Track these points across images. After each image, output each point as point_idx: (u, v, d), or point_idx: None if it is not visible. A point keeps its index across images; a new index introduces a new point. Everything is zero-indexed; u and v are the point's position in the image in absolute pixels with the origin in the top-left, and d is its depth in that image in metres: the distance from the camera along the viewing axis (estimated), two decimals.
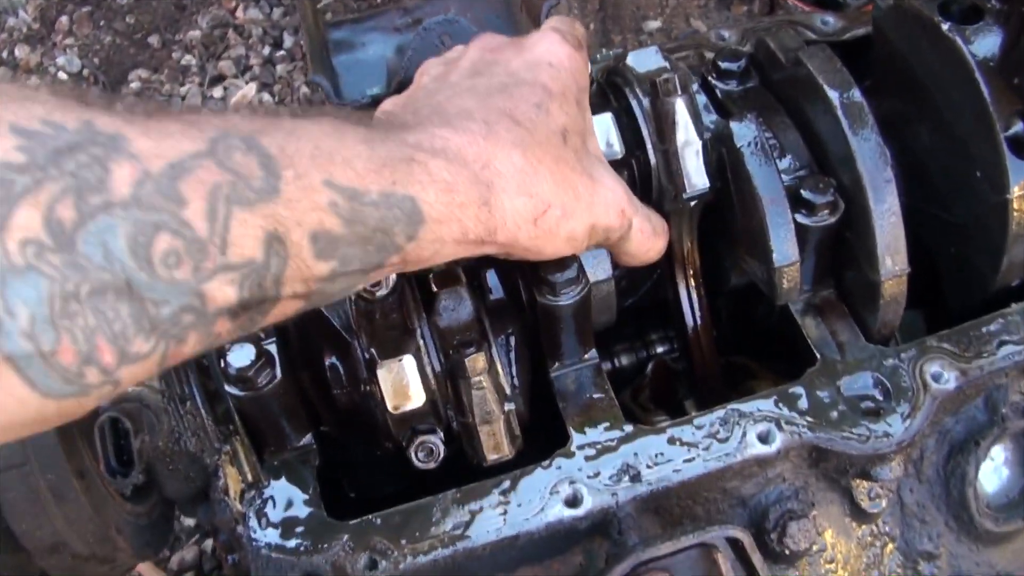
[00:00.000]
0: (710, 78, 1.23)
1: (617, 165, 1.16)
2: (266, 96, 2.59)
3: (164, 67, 2.69)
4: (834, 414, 1.10)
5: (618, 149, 1.14)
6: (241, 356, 1.03)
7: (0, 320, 0.60)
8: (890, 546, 1.19)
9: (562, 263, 1.05)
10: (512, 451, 1.08)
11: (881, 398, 1.12)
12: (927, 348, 1.16)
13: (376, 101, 1.52)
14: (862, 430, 1.09)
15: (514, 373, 1.09)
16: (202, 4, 2.79)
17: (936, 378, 1.13)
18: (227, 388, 1.06)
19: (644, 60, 1.14)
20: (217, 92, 2.63)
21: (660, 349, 1.38)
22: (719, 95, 1.23)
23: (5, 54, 2.78)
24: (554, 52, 1.01)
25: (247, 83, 2.61)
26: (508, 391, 1.06)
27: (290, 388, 1.08)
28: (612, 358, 1.39)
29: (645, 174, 1.15)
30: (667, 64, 1.13)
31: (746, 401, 1.11)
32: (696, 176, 1.10)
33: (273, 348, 1.07)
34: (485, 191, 0.86)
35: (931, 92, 1.21)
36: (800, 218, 1.11)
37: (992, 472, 1.22)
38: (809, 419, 1.10)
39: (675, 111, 1.09)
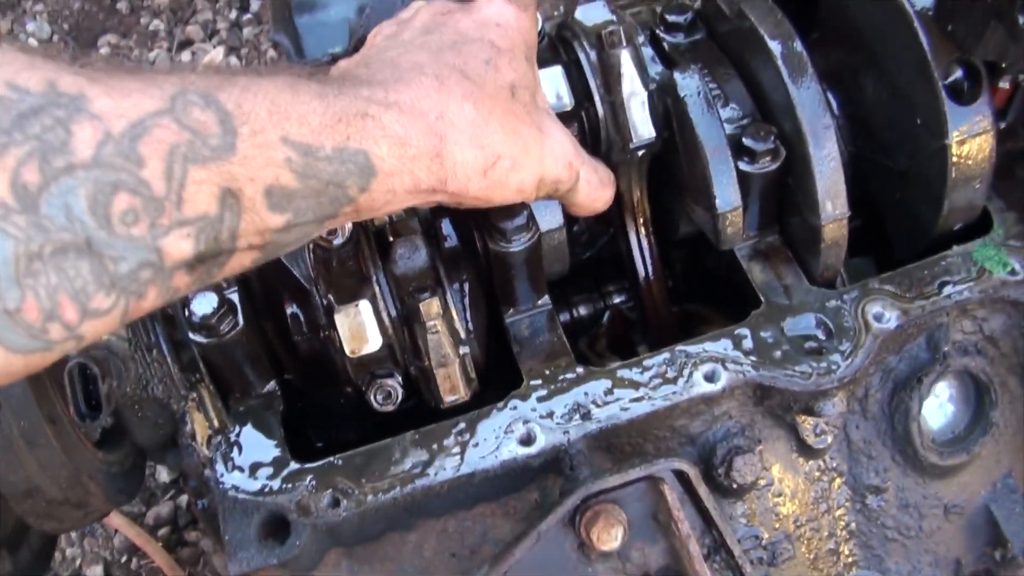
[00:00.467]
0: (658, 31, 1.26)
1: (567, 117, 1.19)
2: (233, 60, 2.61)
3: (133, 32, 2.70)
4: (777, 353, 1.15)
5: (567, 101, 1.18)
6: (204, 304, 1.07)
7: None
8: (838, 480, 1.24)
9: (512, 210, 1.09)
10: (468, 393, 1.12)
11: (824, 337, 1.16)
12: (869, 290, 1.20)
13: (336, 60, 1.55)
14: (805, 367, 1.14)
15: (468, 318, 1.13)
16: None
17: (878, 318, 1.17)
18: (191, 336, 1.09)
19: (592, 14, 1.18)
20: (185, 56, 2.65)
21: (616, 299, 1.42)
22: (666, 47, 1.26)
23: None
24: (501, 12, 1.03)
25: (214, 47, 2.63)
26: (463, 335, 1.10)
27: (253, 336, 1.12)
28: (570, 308, 1.43)
29: (594, 125, 1.18)
30: (613, 17, 1.16)
31: (692, 343, 1.15)
32: (642, 126, 1.14)
33: (235, 297, 1.11)
34: (438, 142, 0.88)
35: (874, 43, 1.25)
36: (743, 165, 1.15)
37: (937, 409, 1.27)
38: (753, 358, 1.14)
39: (620, 63, 1.12)
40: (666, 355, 1.14)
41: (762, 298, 1.19)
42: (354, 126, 0.82)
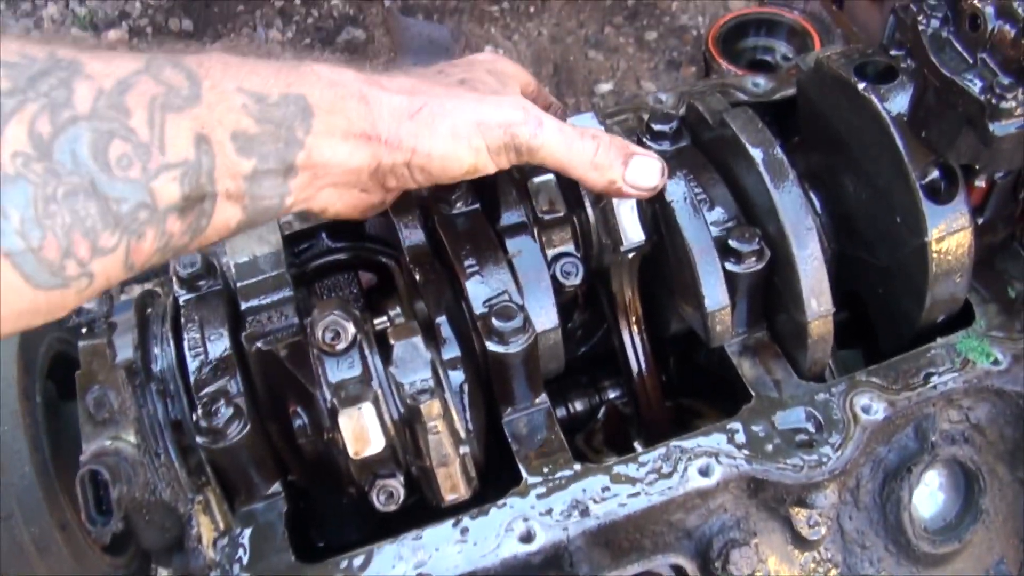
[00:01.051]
0: (644, 139, 1.32)
1: (560, 222, 1.25)
2: None
3: None
4: (769, 447, 1.18)
5: (559, 207, 1.23)
6: (210, 411, 1.11)
7: None
8: (833, 572, 1.26)
9: (506, 312, 1.13)
10: (468, 492, 1.15)
11: (814, 430, 1.20)
12: (857, 382, 1.24)
13: None
14: (796, 460, 1.17)
15: (468, 418, 1.16)
16: None
17: (866, 410, 1.21)
18: (198, 440, 1.13)
19: (581, 124, 1.23)
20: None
21: (612, 395, 1.46)
22: None
23: None
24: (474, 55, 1.23)
25: None
26: (463, 435, 1.13)
27: (258, 439, 1.15)
28: (566, 404, 1.46)
29: (585, 230, 1.24)
30: (602, 127, 1.22)
31: (686, 438, 1.18)
32: (632, 230, 1.19)
33: (242, 401, 1.14)
34: (365, 87, 0.99)
35: (852, 146, 1.31)
36: (730, 266, 1.20)
37: (928, 497, 1.30)
38: (746, 452, 1.17)
39: None
40: (661, 451, 1.17)
41: (752, 393, 1.23)
42: (294, 75, 0.94)
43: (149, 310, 1.26)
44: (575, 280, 1.26)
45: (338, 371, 1.10)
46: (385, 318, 1.40)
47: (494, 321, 1.14)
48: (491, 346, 1.14)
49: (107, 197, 0.79)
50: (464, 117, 1.04)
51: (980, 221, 1.34)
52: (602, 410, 1.46)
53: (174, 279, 1.25)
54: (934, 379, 1.24)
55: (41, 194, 0.76)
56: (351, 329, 1.10)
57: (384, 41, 2.73)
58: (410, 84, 1.04)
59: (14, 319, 0.80)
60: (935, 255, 1.24)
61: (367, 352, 1.11)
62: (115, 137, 0.80)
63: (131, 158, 0.81)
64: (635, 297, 1.29)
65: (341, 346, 1.09)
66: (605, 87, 2.78)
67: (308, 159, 0.95)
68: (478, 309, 1.17)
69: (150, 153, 0.82)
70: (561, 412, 1.48)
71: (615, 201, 1.18)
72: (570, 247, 1.26)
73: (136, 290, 1.89)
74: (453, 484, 1.13)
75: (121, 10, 3.10)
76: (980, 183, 1.30)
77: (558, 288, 1.26)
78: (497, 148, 1.06)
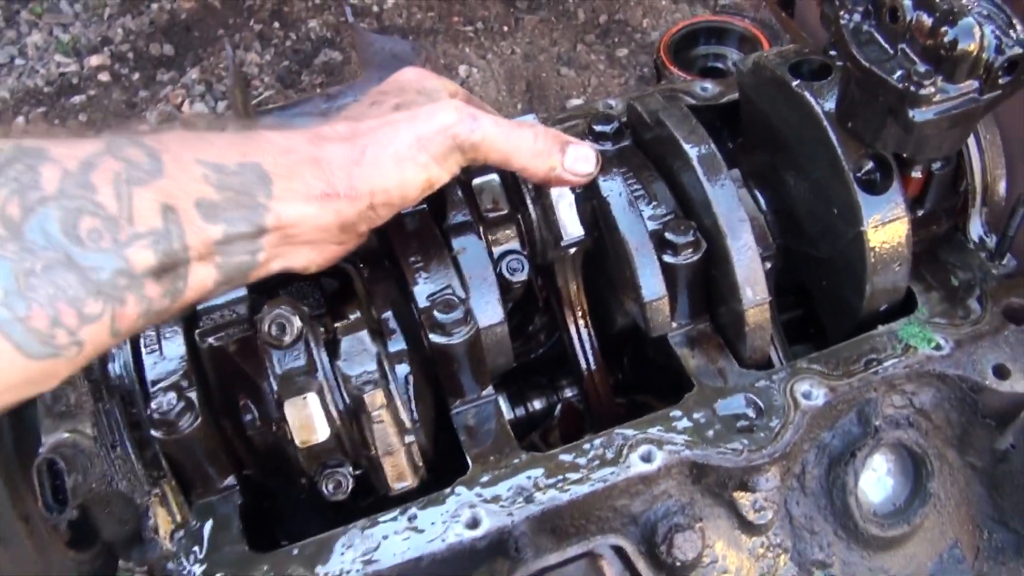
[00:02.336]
0: (587, 140, 1.36)
1: (504, 220, 1.29)
2: None
3: None
4: (710, 432, 1.21)
5: (503, 206, 1.27)
6: (163, 403, 1.14)
7: None
8: (783, 557, 1.28)
9: (448, 304, 1.17)
10: (415, 480, 1.18)
11: (754, 416, 1.23)
12: (797, 370, 1.27)
13: None
14: (736, 444, 1.20)
15: (414, 409, 1.19)
16: (151, 101, 2.98)
17: (806, 395, 1.24)
18: (152, 432, 1.16)
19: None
20: None
21: (568, 393, 1.49)
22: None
23: None
24: (398, 73, 1.28)
25: None
26: (408, 424, 1.16)
27: (211, 432, 1.18)
28: (525, 403, 1.49)
29: (529, 228, 1.27)
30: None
31: (629, 426, 1.21)
32: (571, 225, 1.23)
33: (194, 395, 1.17)
34: (315, 150, 1.05)
35: (791, 143, 1.35)
36: (667, 258, 1.24)
37: (877, 483, 1.32)
38: (687, 438, 1.20)
39: None
40: (604, 438, 1.20)
41: (696, 382, 1.26)
42: (247, 144, 1.00)
43: None
44: (522, 276, 1.30)
45: (284, 363, 1.14)
46: (346, 322, 1.43)
47: (436, 313, 1.17)
48: (434, 338, 1.18)
49: (84, 267, 0.84)
50: (404, 140, 1.08)
51: (921, 212, 1.38)
52: (558, 407, 1.49)
53: None
54: (875, 365, 1.27)
55: (19, 268, 0.81)
56: (296, 322, 1.13)
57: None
58: (349, 129, 1.09)
59: (8, 391, 0.85)
60: (872, 245, 1.27)
61: (312, 345, 1.14)
62: (84, 213, 0.85)
63: (101, 231, 0.86)
64: (580, 292, 1.32)
65: (287, 339, 1.13)
66: (576, 102, 2.84)
67: (277, 220, 1.00)
68: (422, 303, 1.20)
69: (119, 225, 0.87)
70: (520, 411, 1.51)
71: (554, 197, 1.22)
72: (515, 244, 1.30)
73: None
74: (399, 472, 1.16)
75: (103, 36, 3.16)
76: (917, 174, 1.34)
77: (506, 285, 1.30)
78: (442, 155, 1.10)
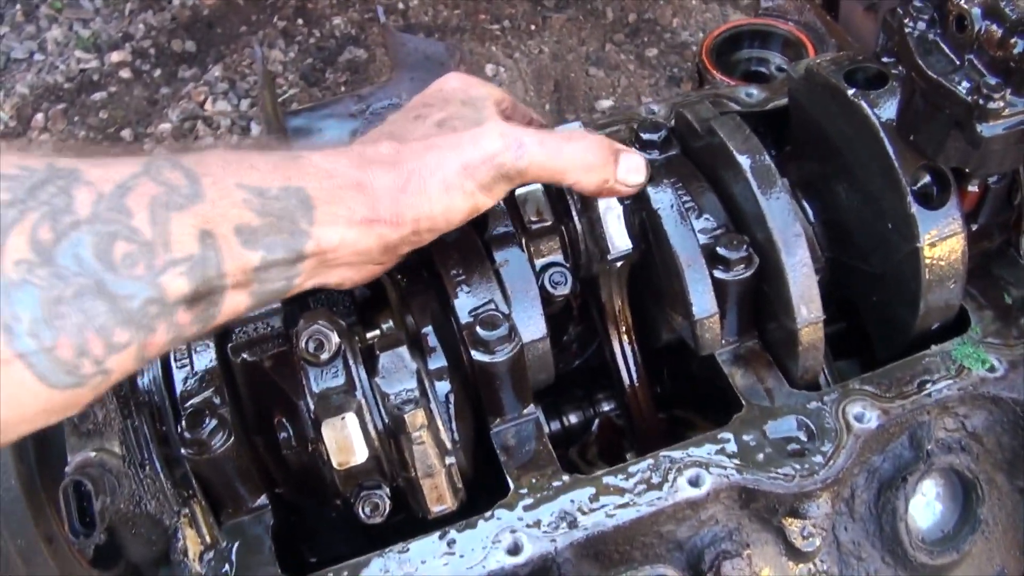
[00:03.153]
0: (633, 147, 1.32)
1: (548, 232, 1.24)
2: None
3: None
4: (760, 456, 1.16)
5: (547, 217, 1.23)
6: (194, 422, 1.10)
7: (9, 325, 0.75)
8: None
9: (492, 321, 1.13)
10: (455, 503, 1.14)
11: (805, 439, 1.18)
12: (849, 391, 1.22)
13: None
14: (788, 470, 1.15)
15: (454, 428, 1.15)
16: (173, 98, 2.94)
17: (858, 418, 1.19)
18: (183, 451, 1.12)
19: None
20: None
21: (606, 407, 1.45)
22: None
23: None
24: (441, 81, 1.21)
25: None
26: (449, 445, 1.12)
27: (242, 451, 1.14)
28: (561, 417, 1.45)
29: (573, 239, 1.23)
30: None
31: (676, 448, 1.17)
32: (618, 238, 1.18)
33: (226, 413, 1.13)
34: (359, 173, 1.01)
35: (844, 153, 1.30)
36: (718, 273, 1.19)
37: (925, 507, 1.28)
38: (736, 462, 1.15)
39: None
40: (650, 461, 1.16)
41: (744, 402, 1.21)
42: (291, 168, 0.97)
43: None
44: (564, 290, 1.25)
45: (322, 381, 1.10)
46: (378, 332, 1.39)
47: (479, 330, 1.13)
48: (476, 355, 1.14)
49: (115, 295, 0.81)
50: (450, 168, 1.05)
51: (974, 227, 1.33)
52: (596, 422, 1.44)
53: None
54: (928, 387, 1.23)
55: (48, 296, 0.77)
56: (335, 339, 1.09)
57: (385, 60, 2.74)
58: (394, 150, 1.06)
59: (29, 420, 0.81)
60: (928, 261, 1.23)
61: (351, 362, 1.10)
62: (118, 238, 0.82)
63: (135, 257, 0.82)
64: (625, 306, 1.28)
65: (325, 356, 1.09)
66: (606, 104, 2.79)
67: (317, 246, 0.97)
68: (464, 319, 1.16)
69: (154, 251, 0.84)
70: (555, 425, 1.47)
71: (601, 209, 1.18)
72: (559, 257, 1.26)
73: None
74: (439, 495, 1.12)
75: (124, 32, 3.13)
76: (973, 188, 1.29)
77: (548, 298, 1.25)
78: (488, 183, 1.07)
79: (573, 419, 1.47)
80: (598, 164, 1.10)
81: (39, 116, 2.95)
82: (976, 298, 1.32)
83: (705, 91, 1.56)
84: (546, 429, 1.44)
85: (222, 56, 3.02)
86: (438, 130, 1.10)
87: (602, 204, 1.18)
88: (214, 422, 1.11)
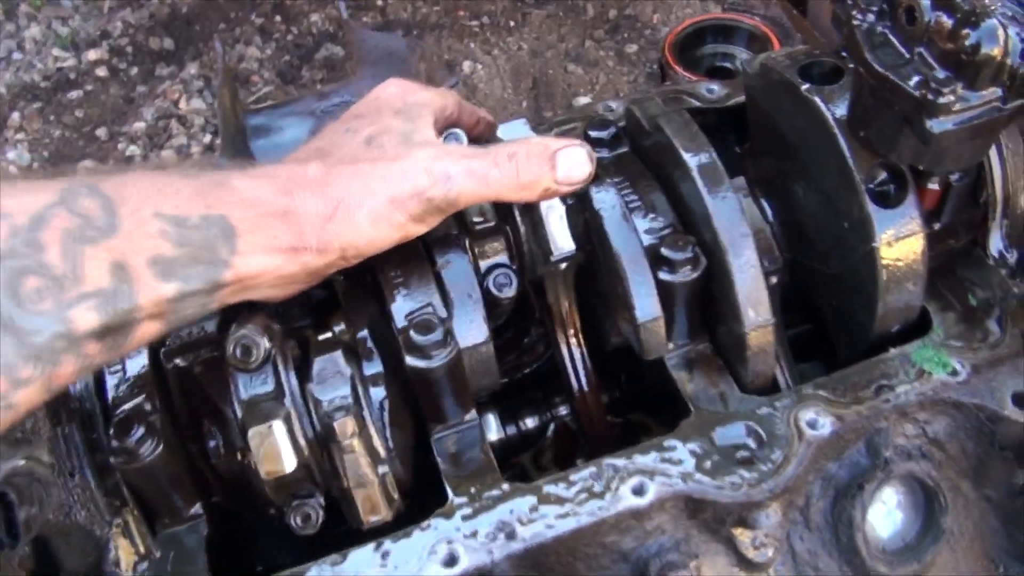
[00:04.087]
0: None
1: (493, 232, 1.21)
2: None
3: (110, 158, 2.79)
4: (708, 464, 1.13)
5: (490, 218, 1.19)
6: (122, 430, 1.07)
7: None
8: None
9: (426, 325, 1.09)
10: (390, 514, 1.11)
11: (755, 446, 1.14)
12: (803, 396, 1.18)
13: None
14: (735, 478, 1.11)
15: (389, 436, 1.12)
16: (149, 96, 2.92)
17: (811, 424, 1.15)
18: (111, 460, 1.09)
19: (512, 132, 1.20)
20: None
21: (563, 411, 1.41)
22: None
23: None
24: (379, 88, 1.18)
25: None
26: (382, 454, 1.09)
27: (175, 459, 1.11)
28: (517, 422, 1.41)
29: (518, 240, 1.20)
30: (532, 134, 1.18)
31: (620, 455, 1.13)
32: (561, 239, 1.15)
33: (156, 420, 1.10)
34: (287, 201, 0.99)
35: (800, 151, 1.26)
36: (664, 275, 1.15)
37: (886, 517, 1.24)
38: (682, 470, 1.12)
39: None
40: (592, 469, 1.12)
41: (692, 407, 1.18)
42: (213, 195, 0.95)
43: None
44: (510, 292, 1.22)
45: (251, 387, 1.06)
46: (330, 334, 1.36)
47: (413, 334, 1.10)
48: (411, 360, 1.10)
49: (21, 331, 0.81)
50: (378, 200, 1.03)
51: (937, 226, 1.29)
52: (551, 427, 1.41)
53: None
54: (886, 391, 1.19)
55: None
56: (264, 344, 1.06)
57: None
58: (322, 174, 1.03)
59: None
60: (884, 262, 1.19)
61: (281, 368, 1.07)
62: (28, 272, 0.81)
63: (44, 292, 0.82)
64: (572, 309, 1.24)
65: (254, 362, 1.06)
66: (583, 100, 2.75)
67: (235, 275, 0.96)
68: (400, 323, 1.13)
69: (64, 285, 0.83)
70: (511, 430, 1.43)
71: (543, 210, 1.14)
72: (503, 258, 1.22)
73: None
74: (373, 505, 1.09)
75: (102, 30, 3.10)
76: (933, 186, 1.25)
77: (494, 301, 1.22)
78: (419, 215, 1.05)
79: (530, 423, 1.43)
80: (531, 180, 1.07)
81: (15, 115, 2.93)
82: (941, 299, 1.28)
83: (665, 88, 1.52)
84: (500, 434, 1.41)
85: (200, 54, 2.99)
86: (366, 149, 1.07)
87: (543, 205, 1.14)
88: (142, 430, 1.08)
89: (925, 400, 1.19)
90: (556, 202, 1.14)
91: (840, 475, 1.20)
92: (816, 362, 1.44)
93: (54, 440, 1.12)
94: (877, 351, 1.24)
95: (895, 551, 1.23)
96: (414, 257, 1.17)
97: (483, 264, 1.22)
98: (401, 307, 1.14)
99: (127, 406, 1.12)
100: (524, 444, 1.43)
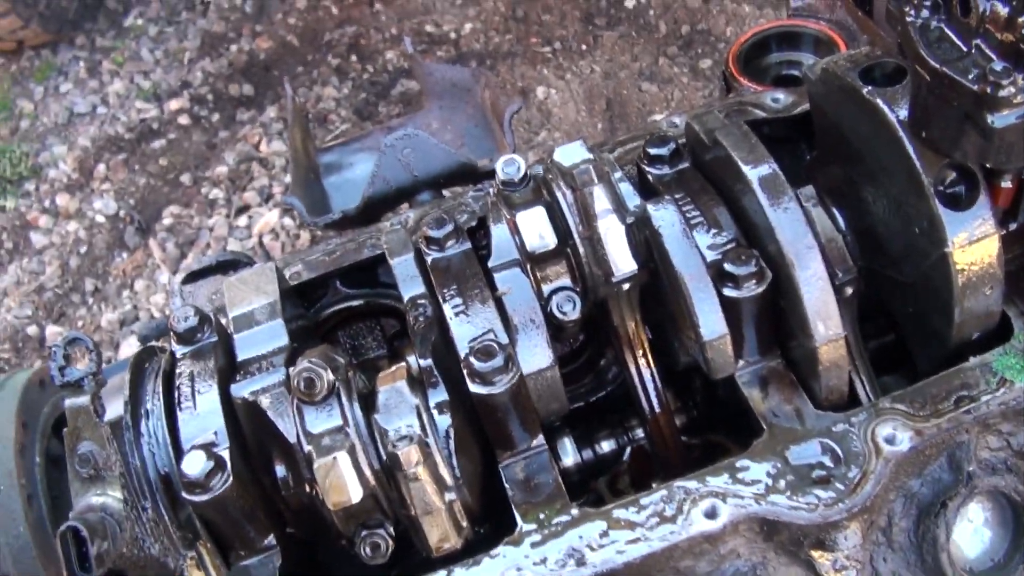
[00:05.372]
0: (643, 164, 1.26)
1: (553, 256, 1.20)
2: (287, 220, 2.74)
3: (194, 202, 2.87)
4: (782, 483, 1.09)
5: (550, 241, 1.19)
6: (192, 464, 1.09)
7: None
8: None
9: (487, 351, 1.09)
10: (459, 541, 1.10)
11: (831, 464, 1.10)
12: (880, 410, 1.14)
13: (346, 217, 1.61)
14: (811, 498, 1.08)
15: (455, 464, 1.11)
16: (230, 141, 2.99)
17: (889, 440, 1.11)
18: (183, 493, 1.11)
19: (568, 154, 1.19)
20: (242, 221, 2.80)
21: (640, 433, 1.38)
22: (651, 179, 1.26)
23: (47, 203, 3.01)
24: None
25: (270, 210, 2.78)
26: (449, 482, 1.08)
27: (246, 492, 1.12)
28: (594, 445, 1.40)
29: (579, 262, 1.18)
30: (590, 156, 1.17)
31: (692, 478, 1.11)
32: (621, 260, 1.13)
33: (225, 453, 1.12)
34: None
35: (867, 156, 1.22)
36: (728, 291, 1.12)
37: (973, 535, 1.18)
38: (755, 491, 1.09)
39: (594, 200, 1.13)
40: (663, 492, 1.10)
41: (764, 426, 1.15)
42: None
43: (147, 365, 1.25)
44: (574, 315, 1.21)
45: (316, 421, 1.07)
46: (404, 364, 1.37)
47: (474, 361, 1.09)
48: (474, 388, 1.10)
49: None
50: None
51: (1013, 226, 1.23)
52: (628, 451, 1.38)
53: (171, 334, 1.24)
54: (967, 403, 1.14)
55: None
56: (327, 376, 1.07)
57: None
58: None
59: None
60: (959, 266, 1.14)
61: (344, 400, 1.08)
62: None
63: None
64: (639, 329, 1.22)
65: (319, 394, 1.07)
66: (659, 119, 2.73)
67: None
68: (462, 350, 1.13)
69: None
70: (588, 454, 1.42)
71: (602, 230, 1.13)
72: (566, 281, 1.21)
73: None
74: (442, 533, 1.08)
75: (183, 80, 3.20)
76: (1007, 184, 1.19)
77: (559, 324, 1.21)
78: None
79: (605, 447, 1.41)
80: None
81: (100, 167, 3.04)
82: (1020, 303, 1.22)
83: (730, 99, 1.49)
84: (577, 458, 1.39)
85: (278, 97, 3.07)
86: None
87: (602, 225, 1.13)
88: (211, 463, 1.09)
89: (1008, 410, 1.14)
90: (615, 221, 1.13)
91: (923, 492, 1.15)
92: (900, 374, 1.39)
93: (126, 476, 1.14)
94: (957, 360, 1.19)
95: (984, 571, 1.17)
96: (474, 284, 1.17)
97: (545, 288, 1.21)
98: (463, 334, 1.14)
99: (198, 440, 1.14)
100: (601, 468, 1.41)
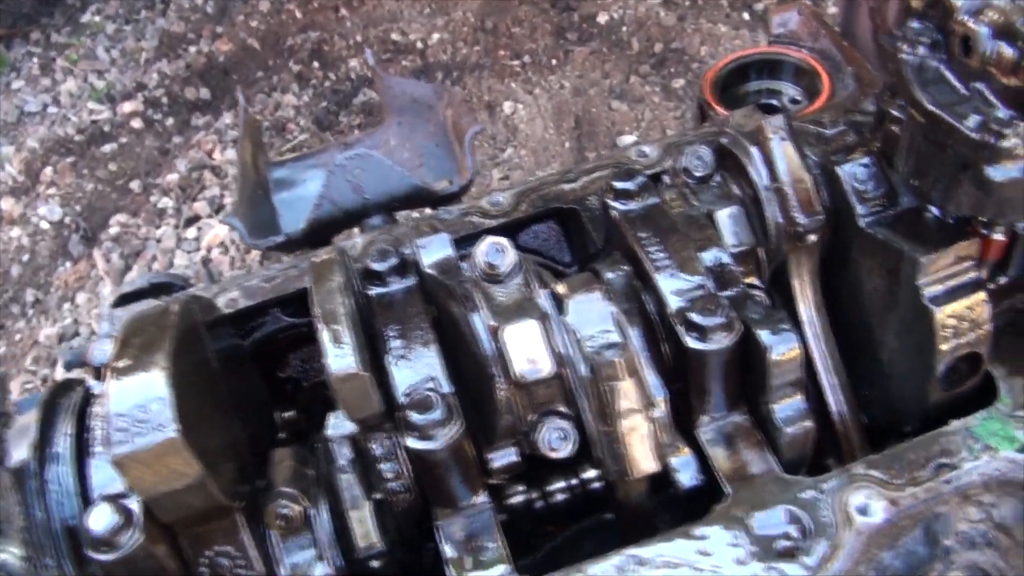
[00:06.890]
0: (608, 199, 1.17)
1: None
2: (236, 235, 2.63)
3: (142, 211, 2.75)
4: (743, 555, 1.00)
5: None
6: (97, 518, 0.99)
7: None
8: None
9: (425, 404, 1.00)
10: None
11: (797, 535, 1.02)
12: (852, 476, 1.06)
13: (290, 240, 1.51)
14: (774, 574, 0.99)
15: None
16: (184, 147, 2.87)
17: (861, 510, 1.03)
18: (89, 554, 1.00)
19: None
20: (191, 233, 2.69)
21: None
22: (615, 216, 1.17)
23: None
24: None
25: (220, 222, 2.67)
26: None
27: (155, 549, 1.02)
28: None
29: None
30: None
31: (646, 544, 1.02)
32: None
33: (136, 507, 1.01)
34: None
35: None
36: (693, 343, 1.04)
37: None
38: (713, 563, 1.00)
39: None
40: (616, 561, 1.01)
41: (727, 489, 1.06)
42: None
43: (61, 401, 1.14)
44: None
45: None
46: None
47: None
48: (410, 442, 1.00)
49: None
50: None
51: (1003, 280, 1.16)
52: None
53: (88, 367, 1.14)
54: (947, 471, 1.06)
55: None
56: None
57: None
58: None
59: None
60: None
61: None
62: None
63: None
64: None
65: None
66: (628, 139, 2.64)
67: None
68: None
69: None
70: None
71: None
72: None
73: None
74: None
75: (138, 81, 3.08)
76: (999, 236, 1.12)
77: None
78: None
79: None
80: None
81: (48, 170, 2.92)
82: (1004, 364, 1.15)
83: (704, 128, 1.41)
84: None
85: (236, 103, 2.96)
86: None
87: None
88: (119, 518, 0.99)
89: (991, 480, 1.07)
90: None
91: (895, 566, 1.06)
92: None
93: (27, 531, 1.04)
94: (937, 422, 1.11)
95: None
96: (418, 323, 1.08)
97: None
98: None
99: (109, 491, 1.03)
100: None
